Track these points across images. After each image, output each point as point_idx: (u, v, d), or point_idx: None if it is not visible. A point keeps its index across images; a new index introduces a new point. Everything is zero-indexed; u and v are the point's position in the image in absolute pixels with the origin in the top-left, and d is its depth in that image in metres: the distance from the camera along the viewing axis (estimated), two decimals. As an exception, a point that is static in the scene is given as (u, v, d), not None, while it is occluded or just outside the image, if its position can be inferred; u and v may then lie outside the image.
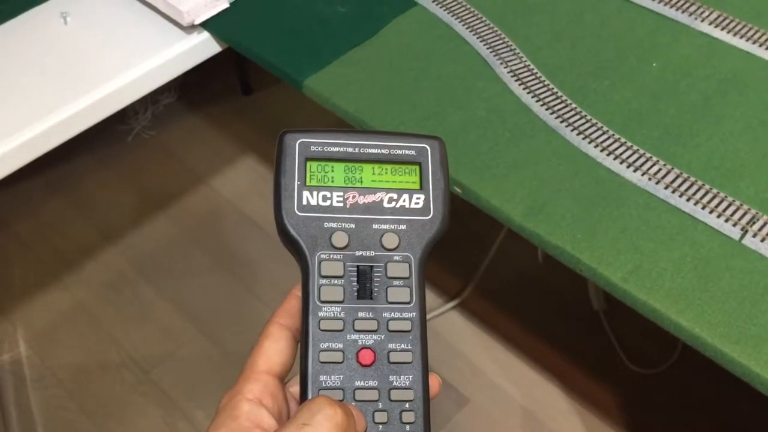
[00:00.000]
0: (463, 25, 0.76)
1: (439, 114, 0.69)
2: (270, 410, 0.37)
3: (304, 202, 0.39)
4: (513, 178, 0.63)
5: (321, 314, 0.38)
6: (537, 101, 0.68)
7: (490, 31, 0.75)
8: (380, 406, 0.37)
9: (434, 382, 0.39)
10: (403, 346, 0.38)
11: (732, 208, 0.59)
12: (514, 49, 0.73)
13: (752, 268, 0.55)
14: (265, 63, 0.76)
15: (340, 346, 0.38)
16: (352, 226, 0.39)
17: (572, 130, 0.66)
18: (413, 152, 0.41)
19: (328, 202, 0.40)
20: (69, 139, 0.75)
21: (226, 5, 0.80)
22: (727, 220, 0.58)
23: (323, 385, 0.37)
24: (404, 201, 0.40)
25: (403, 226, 0.40)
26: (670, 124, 0.66)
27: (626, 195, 0.61)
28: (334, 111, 0.71)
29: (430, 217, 0.40)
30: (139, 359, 1.25)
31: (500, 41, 0.74)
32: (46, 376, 1.22)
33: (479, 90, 0.71)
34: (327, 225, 0.39)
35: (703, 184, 0.60)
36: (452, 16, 0.77)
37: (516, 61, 0.72)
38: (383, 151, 0.41)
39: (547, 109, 0.68)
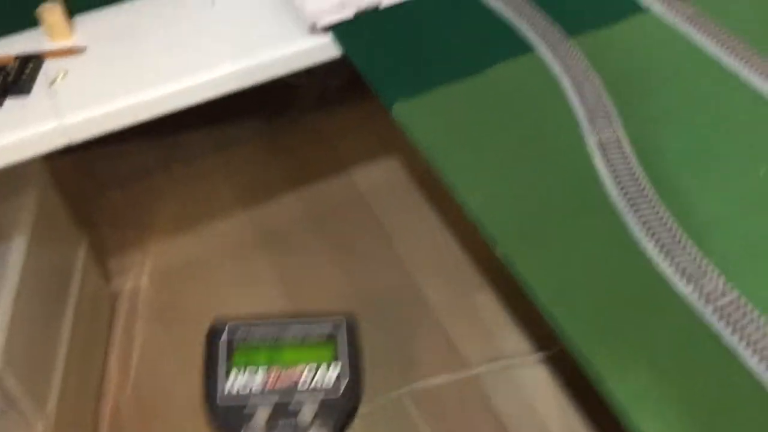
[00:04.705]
0: (571, 80, 0.72)
1: (509, 171, 0.66)
2: None
3: (229, 384, 0.47)
4: (555, 252, 0.59)
5: None
6: (615, 178, 0.64)
7: (594, 91, 0.71)
8: None
9: None
10: None
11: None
12: (611, 115, 0.68)
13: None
14: (366, 78, 0.77)
15: None
16: (272, 404, 0.46)
17: (639, 218, 0.60)
18: (327, 330, 0.48)
19: (251, 383, 0.47)
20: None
21: (350, 17, 0.82)
22: None
23: None
24: (320, 375, 0.47)
25: (319, 401, 0.46)
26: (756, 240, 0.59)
27: (669, 307, 0.55)
28: (410, 140, 0.70)
29: (342, 390, 0.47)
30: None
31: (600, 104, 0.69)
32: (153, 316, 1.33)
33: (560, 153, 0.67)
34: (250, 403, 0.46)
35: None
36: (563, 67, 0.73)
37: (608, 131, 0.67)
38: (300, 334, 0.49)
39: (622, 189, 0.63)
